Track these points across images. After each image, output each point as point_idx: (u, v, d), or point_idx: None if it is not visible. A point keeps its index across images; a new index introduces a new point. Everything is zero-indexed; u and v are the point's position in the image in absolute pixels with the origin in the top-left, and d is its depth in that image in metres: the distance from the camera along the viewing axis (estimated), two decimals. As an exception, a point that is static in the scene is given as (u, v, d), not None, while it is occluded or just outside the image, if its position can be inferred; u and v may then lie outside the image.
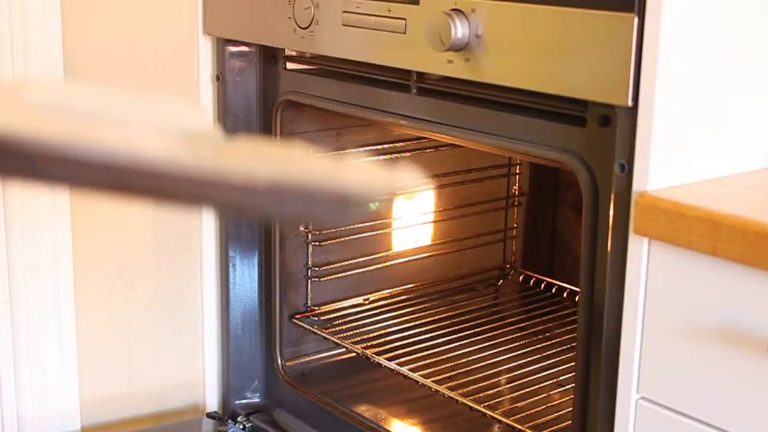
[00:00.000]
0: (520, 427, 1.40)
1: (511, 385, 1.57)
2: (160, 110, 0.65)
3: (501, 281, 1.94)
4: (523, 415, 1.45)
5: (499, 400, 1.52)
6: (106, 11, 1.56)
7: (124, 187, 0.58)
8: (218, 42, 1.60)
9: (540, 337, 1.68)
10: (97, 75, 1.57)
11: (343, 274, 1.73)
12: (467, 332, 1.69)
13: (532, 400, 1.48)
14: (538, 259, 1.96)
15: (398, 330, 1.71)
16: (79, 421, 1.65)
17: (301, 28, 1.40)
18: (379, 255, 1.78)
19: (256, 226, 1.66)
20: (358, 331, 1.69)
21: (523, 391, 1.52)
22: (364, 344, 1.63)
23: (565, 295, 1.83)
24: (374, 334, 1.69)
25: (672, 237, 0.98)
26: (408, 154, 1.76)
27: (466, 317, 1.76)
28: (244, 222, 1.65)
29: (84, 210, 1.58)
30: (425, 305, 1.80)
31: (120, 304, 1.66)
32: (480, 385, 1.53)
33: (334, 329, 1.67)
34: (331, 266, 1.69)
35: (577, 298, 1.25)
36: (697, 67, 1.03)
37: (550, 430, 1.41)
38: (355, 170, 0.56)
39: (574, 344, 1.18)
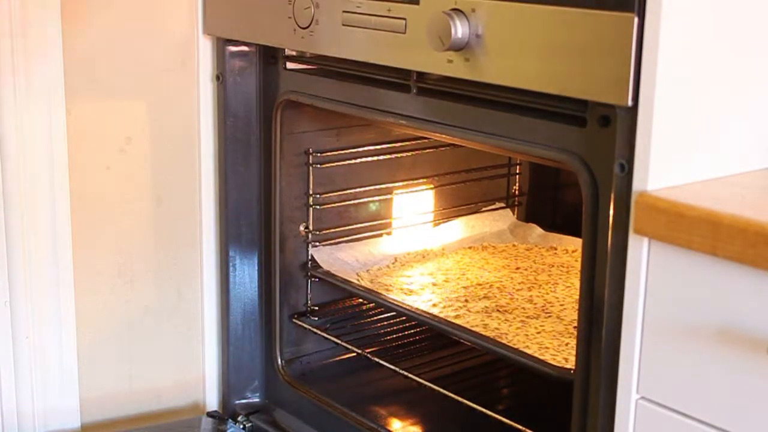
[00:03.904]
0: (520, 427, 1.40)
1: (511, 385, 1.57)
2: None
3: (501, 281, 1.94)
4: (523, 414, 1.45)
5: (499, 399, 1.52)
6: (106, 11, 1.56)
7: None
8: (218, 42, 1.60)
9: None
10: (97, 75, 1.57)
11: (343, 274, 1.73)
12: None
13: (532, 400, 1.48)
14: (538, 259, 1.96)
15: (398, 330, 1.70)
16: (79, 420, 1.65)
17: (301, 28, 1.40)
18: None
19: (256, 225, 1.66)
20: (358, 331, 1.69)
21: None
22: (364, 344, 1.63)
23: (565, 294, 1.83)
24: (374, 334, 1.69)
25: (672, 237, 0.98)
26: (408, 154, 1.76)
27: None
28: (243, 221, 1.65)
29: (84, 210, 1.58)
30: (425, 305, 1.80)
31: (120, 304, 1.66)
32: (480, 384, 1.53)
33: (334, 329, 1.67)
34: (331, 266, 1.69)
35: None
36: (697, 67, 1.02)
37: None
38: None
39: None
